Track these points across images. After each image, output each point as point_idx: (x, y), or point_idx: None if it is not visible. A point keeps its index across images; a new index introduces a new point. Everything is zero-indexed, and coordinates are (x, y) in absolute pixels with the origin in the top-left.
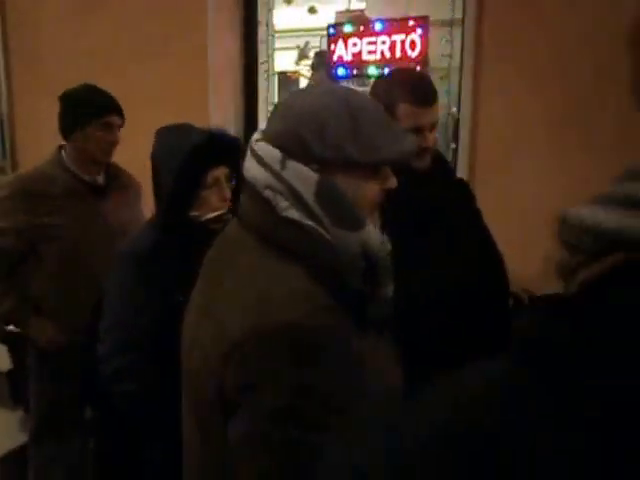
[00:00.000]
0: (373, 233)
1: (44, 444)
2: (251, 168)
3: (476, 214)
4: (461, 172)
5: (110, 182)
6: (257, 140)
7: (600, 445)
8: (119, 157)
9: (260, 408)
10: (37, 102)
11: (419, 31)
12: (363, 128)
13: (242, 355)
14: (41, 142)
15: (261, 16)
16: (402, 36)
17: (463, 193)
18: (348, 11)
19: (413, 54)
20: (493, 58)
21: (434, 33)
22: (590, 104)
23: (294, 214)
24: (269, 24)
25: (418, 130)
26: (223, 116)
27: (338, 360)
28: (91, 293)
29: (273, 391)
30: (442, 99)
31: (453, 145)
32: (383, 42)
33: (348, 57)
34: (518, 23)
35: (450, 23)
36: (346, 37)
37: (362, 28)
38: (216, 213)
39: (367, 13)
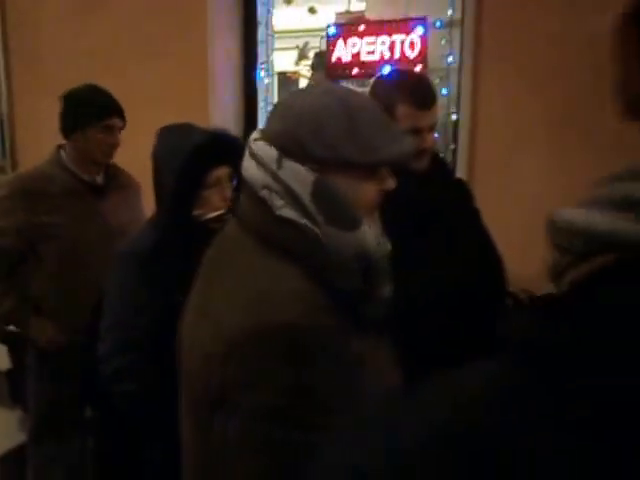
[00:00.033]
0: (369, 234)
1: (44, 444)
2: (249, 167)
3: (475, 214)
4: (460, 172)
5: (109, 182)
6: (255, 139)
7: (591, 445)
8: (119, 157)
9: (258, 408)
10: (37, 102)
11: (418, 31)
12: (361, 128)
13: (241, 355)
14: (41, 142)
15: (261, 16)
16: (401, 36)
17: (462, 193)
18: (348, 12)
19: (412, 54)
20: (492, 58)
21: (433, 34)
22: (590, 104)
23: (289, 213)
24: (269, 24)
25: (417, 131)
26: (223, 116)
27: (336, 360)
28: (90, 293)
29: (271, 391)
30: (441, 100)
31: (452, 146)
32: (382, 42)
33: (347, 57)
34: (517, 23)
35: (449, 24)
36: (345, 37)
37: (361, 28)
38: (217, 213)
39: (367, 14)
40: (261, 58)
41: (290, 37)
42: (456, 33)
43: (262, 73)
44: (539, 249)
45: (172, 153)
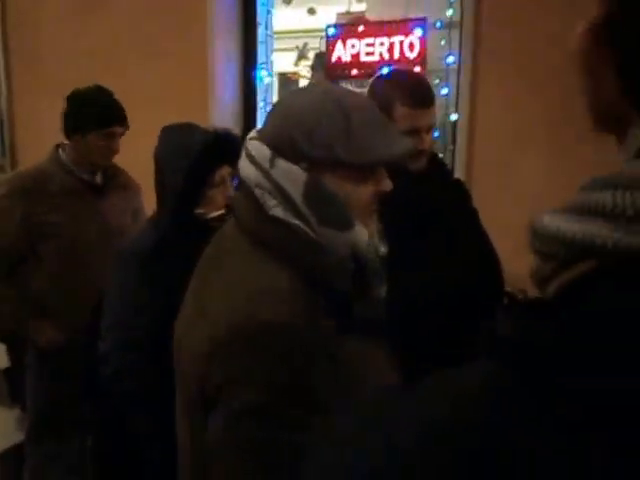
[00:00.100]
0: (362, 234)
1: (43, 443)
2: (244, 167)
3: (473, 215)
4: (459, 173)
5: (108, 181)
6: (251, 138)
7: (580, 448)
8: (119, 157)
9: (244, 406)
10: (37, 101)
11: (418, 32)
12: (356, 129)
13: (229, 354)
14: (41, 141)
15: (260, 17)
16: (401, 37)
17: (460, 194)
18: (348, 13)
19: (412, 55)
20: (491, 59)
21: (432, 34)
22: None
23: (280, 213)
24: (268, 25)
25: (415, 132)
26: (222, 117)
27: (325, 360)
28: (90, 292)
29: (259, 390)
30: (440, 100)
31: (451, 147)
32: (382, 43)
33: (347, 58)
34: (516, 24)
35: (449, 24)
36: (345, 38)
37: (361, 29)
38: (220, 212)
39: (367, 15)
40: (261, 59)
41: (289, 38)
42: (455, 34)
43: (262, 73)
44: None
45: (175, 153)
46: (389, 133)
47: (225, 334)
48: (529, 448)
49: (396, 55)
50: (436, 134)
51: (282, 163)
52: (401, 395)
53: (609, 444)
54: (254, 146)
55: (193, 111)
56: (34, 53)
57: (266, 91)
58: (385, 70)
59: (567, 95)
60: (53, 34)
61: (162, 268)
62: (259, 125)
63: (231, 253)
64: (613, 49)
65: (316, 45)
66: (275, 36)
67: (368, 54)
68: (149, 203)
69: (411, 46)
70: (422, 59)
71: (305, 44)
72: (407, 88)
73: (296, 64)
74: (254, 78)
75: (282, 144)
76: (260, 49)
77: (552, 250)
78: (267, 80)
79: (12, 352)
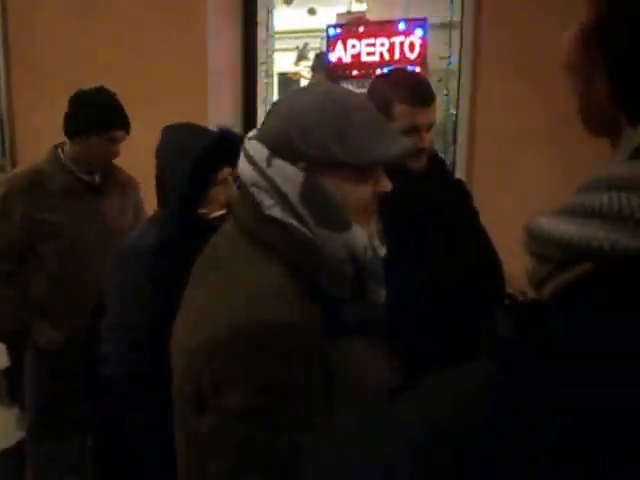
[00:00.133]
0: (359, 235)
1: (43, 443)
2: (242, 166)
3: (473, 215)
4: (459, 173)
5: (108, 181)
6: (249, 138)
7: (582, 457)
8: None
9: (241, 406)
10: (36, 101)
11: (418, 33)
12: (353, 129)
13: (225, 353)
14: (40, 141)
15: (260, 17)
16: (401, 38)
17: (460, 194)
18: (349, 13)
19: (412, 56)
20: (491, 59)
21: (433, 35)
22: None
23: (277, 212)
24: (269, 25)
25: (414, 130)
26: (222, 117)
27: (317, 360)
28: (89, 292)
29: (255, 389)
30: (441, 101)
31: (452, 147)
32: (382, 44)
33: (347, 58)
34: (517, 24)
35: (449, 25)
36: (345, 38)
37: (362, 29)
38: (222, 211)
39: (368, 15)
40: (261, 58)
41: (290, 38)
42: (456, 34)
43: (262, 73)
44: None
45: (177, 153)
46: (388, 133)
47: (225, 334)
48: (531, 455)
49: (396, 55)
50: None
51: (279, 163)
52: (401, 395)
53: (610, 453)
54: (252, 146)
55: (193, 111)
56: (34, 53)
57: (266, 91)
58: (385, 70)
59: (568, 95)
60: (52, 33)
61: (164, 267)
62: (259, 126)
63: (230, 253)
64: (603, 52)
65: (316, 45)
66: (275, 36)
67: (369, 54)
68: (149, 202)
69: (411, 46)
70: (422, 59)
71: (305, 44)
72: (407, 87)
73: (296, 64)
74: (254, 78)
75: (280, 144)
76: (260, 49)
77: (548, 252)
78: (267, 80)
79: (12, 352)
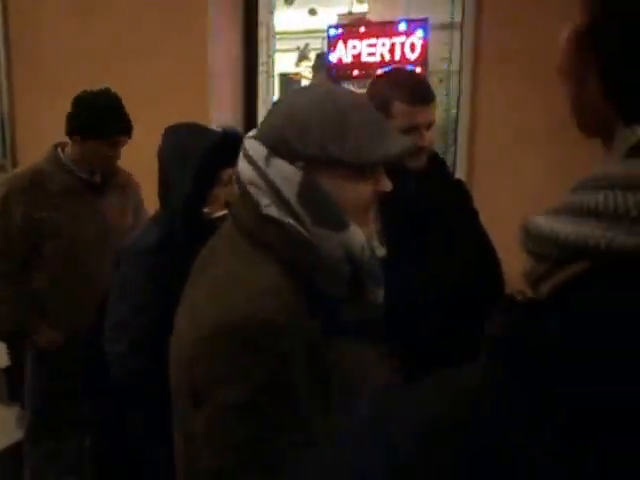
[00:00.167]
0: (356, 235)
1: (42, 443)
2: (241, 165)
3: (473, 215)
4: (460, 173)
5: (108, 180)
6: (248, 137)
7: (579, 457)
8: None
9: (227, 404)
10: (38, 101)
11: (419, 33)
12: (351, 129)
13: (213, 351)
14: (42, 141)
15: (262, 17)
16: (402, 38)
17: (461, 194)
18: (350, 14)
19: (413, 56)
20: (492, 60)
21: (434, 36)
22: None
23: (274, 212)
24: (270, 25)
25: (414, 129)
26: (223, 117)
27: (311, 359)
28: (88, 292)
29: (240, 387)
30: (441, 101)
31: (453, 148)
32: (383, 44)
33: (348, 59)
34: (517, 25)
35: (450, 25)
36: (346, 39)
37: (362, 29)
38: (225, 211)
39: (369, 16)
40: (262, 59)
41: (290, 38)
42: (456, 35)
43: (263, 74)
44: None
45: (180, 153)
46: (387, 133)
47: (208, 331)
48: (529, 455)
49: (397, 56)
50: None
51: (277, 162)
52: (401, 395)
53: (608, 452)
54: (251, 145)
55: (194, 111)
56: (35, 53)
57: (267, 92)
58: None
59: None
60: (54, 34)
61: (164, 266)
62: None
63: (228, 252)
64: (596, 54)
65: (317, 46)
66: (276, 36)
67: (369, 55)
68: (149, 201)
69: (412, 47)
70: (423, 60)
71: (306, 45)
72: (406, 85)
73: (297, 65)
74: (255, 78)
75: (278, 143)
76: (261, 49)
77: (545, 251)
78: (268, 81)
79: (12, 351)
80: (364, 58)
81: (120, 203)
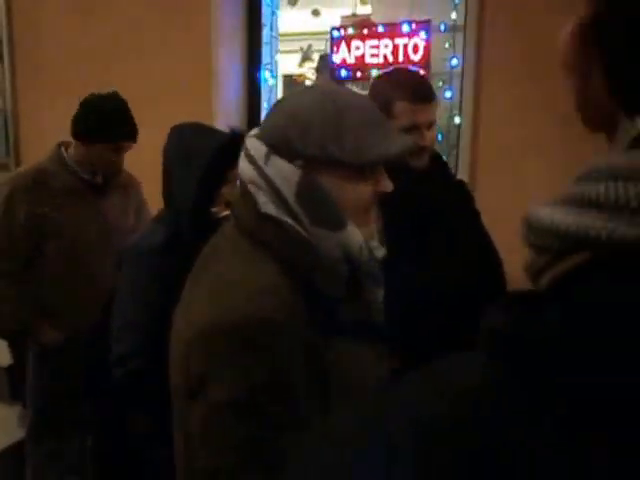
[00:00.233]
0: (354, 235)
1: (43, 443)
2: (242, 164)
3: (475, 216)
4: (462, 174)
5: (110, 181)
6: (249, 137)
7: (580, 448)
8: None
9: (224, 403)
10: (41, 100)
11: (422, 35)
12: (351, 129)
13: (210, 348)
14: (44, 139)
15: (265, 18)
16: (405, 40)
17: (462, 195)
18: (354, 15)
19: (415, 58)
20: (495, 61)
21: (436, 37)
22: None
23: (272, 210)
24: (273, 26)
25: (415, 128)
26: (226, 119)
27: (308, 359)
28: (90, 292)
29: (240, 387)
30: (444, 103)
31: (455, 150)
32: (386, 46)
33: (351, 60)
34: (520, 27)
35: (453, 27)
36: (349, 40)
37: (365, 31)
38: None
39: (373, 17)
40: (265, 60)
41: (293, 40)
42: (459, 37)
43: (266, 75)
44: None
45: (184, 154)
46: (387, 132)
47: (205, 328)
48: (529, 448)
49: (400, 57)
50: (440, 137)
51: (277, 161)
52: (401, 395)
53: (609, 443)
54: (252, 144)
55: (197, 112)
56: (38, 53)
57: (270, 92)
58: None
59: (571, 97)
60: (57, 33)
61: (170, 266)
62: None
63: (228, 251)
64: (600, 49)
65: (320, 47)
66: (279, 38)
67: (372, 56)
68: (151, 200)
69: (415, 48)
70: (426, 62)
71: (309, 46)
72: (407, 85)
73: (300, 66)
74: (258, 79)
75: (278, 142)
76: (265, 50)
77: (546, 243)
78: (271, 81)
79: (14, 349)
80: (367, 59)
81: (122, 203)
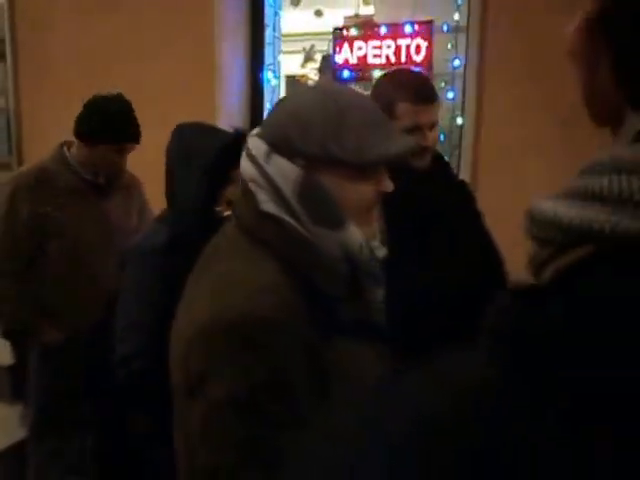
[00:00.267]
0: (354, 234)
1: (45, 441)
2: (243, 163)
3: (477, 216)
4: (464, 175)
5: (112, 182)
6: (252, 135)
7: (583, 442)
8: None
9: (224, 402)
10: (43, 99)
11: (424, 35)
12: (352, 128)
13: (209, 346)
14: (47, 139)
15: (268, 19)
16: (407, 40)
17: (464, 195)
18: (357, 16)
19: (418, 58)
20: (497, 62)
21: (439, 38)
22: None
23: (272, 208)
24: (276, 27)
25: (418, 129)
26: (229, 119)
27: (307, 358)
28: (91, 292)
29: (240, 386)
30: (446, 104)
31: (457, 150)
32: (388, 46)
33: (353, 60)
34: (522, 28)
35: (455, 28)
36: (351, 41)
37: (368, 32)
38: None
39: (375, 18)
40: (268, 60)
41: (296, 40)
42: (462, 37)
43: (268, 75)
44: None
45: (184, 154)
46: (388, 132)
47: (204, 326)
48: (532, 443)
49: (403, 58)
50: (442, 137)
51: (277, 159)
52: (401, 392)
53: (612, 437)
54: (253, 142)
55: (200, 113)
56: (41, 52)
57: (272, 93)
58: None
59: (573, 98)
60: (60, 33)
61: (174, 266)
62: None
63: (228, 250)
64: (607, 42)
65: (323, 47)
66: (282, 38)
67: (375, 57)
68: (154, 200)
69: (417, 49)
70: (428, 62)
71: (312, 46)
72: (410, 85)
73: (303, 66)
74: (261, 80)
75: (279, 140)
76: (267, 51)
77: (549, 236)
78: (274, 82)
79: (16, 349)
80: (369, 60)
81: (125, 204)
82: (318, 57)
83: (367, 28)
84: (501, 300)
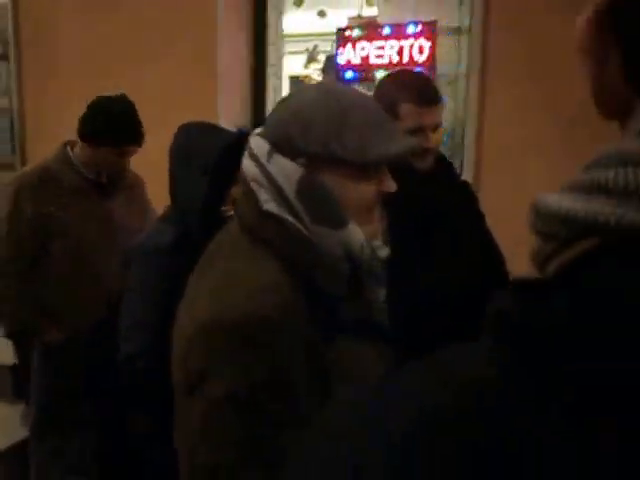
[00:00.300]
0: (355, 234)
1: (46, 440)
2: (245, 162)
3: (479, 217)
4: (467, 176)
5: (115, 182)
6: (254, 135)
7: (588, 434)
8: None
9: (224, 400)
10: (47, 99)
11: (427, 36)
12: (354, 128)
13: (210, 345)
14: (50, 138)
15: (271, 19)
16: (410, 41)
17: (467, 196)
18: (360, 17)
19: (421, 59)
20: (500, 63)
21: (442, 39)
22: None
23: (273, 207)
24: (279, 27)
25: (421, 130)
26: (232, 119)
27: (306, 357)
28: (94, 292)
29: (240, 384)
30: (449, 104)
31: (460, 151)
32: (391, 47)
33: (356, 61)
34: (525, 28)
35: (458, 29)
36: (354, 41)
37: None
38: None
39: (379, 19)
40: (271, 61)
41: (299, 41)
42: (464, 38)
43: (272, 76)
44: None
45: (184, 153)
46: (391, 132)
47: (204, 324)
48: (536, 436)
49: (405, 58)
50: (445, 138)
51: (279, 158)
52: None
53: (617, 429)
54: (255, 141)
55: (202, 113)
56: (45, 53)
57: (275, 93)
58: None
59: (575, 100)
60: (63, 34)
61: (179, 266)
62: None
63: (229, 249)
64: (617, 35)
65: (326, 48)
66: (285, 39)
67: (378, 57)
68: (156, 200)
69: (420, 50)
70: (431, 63)
71: (315, 46)
72: (413, 87)
73: (306, 67)
74: (264, 80)
75: (280, 139)
76: (270, 51)
77: (553, 229)
78: (277, 82)
79: (18, 349)
80: (372, 60)
81: (128, 203)
82: (321, 57)
83: (370, 29)
84: (506, 293)
